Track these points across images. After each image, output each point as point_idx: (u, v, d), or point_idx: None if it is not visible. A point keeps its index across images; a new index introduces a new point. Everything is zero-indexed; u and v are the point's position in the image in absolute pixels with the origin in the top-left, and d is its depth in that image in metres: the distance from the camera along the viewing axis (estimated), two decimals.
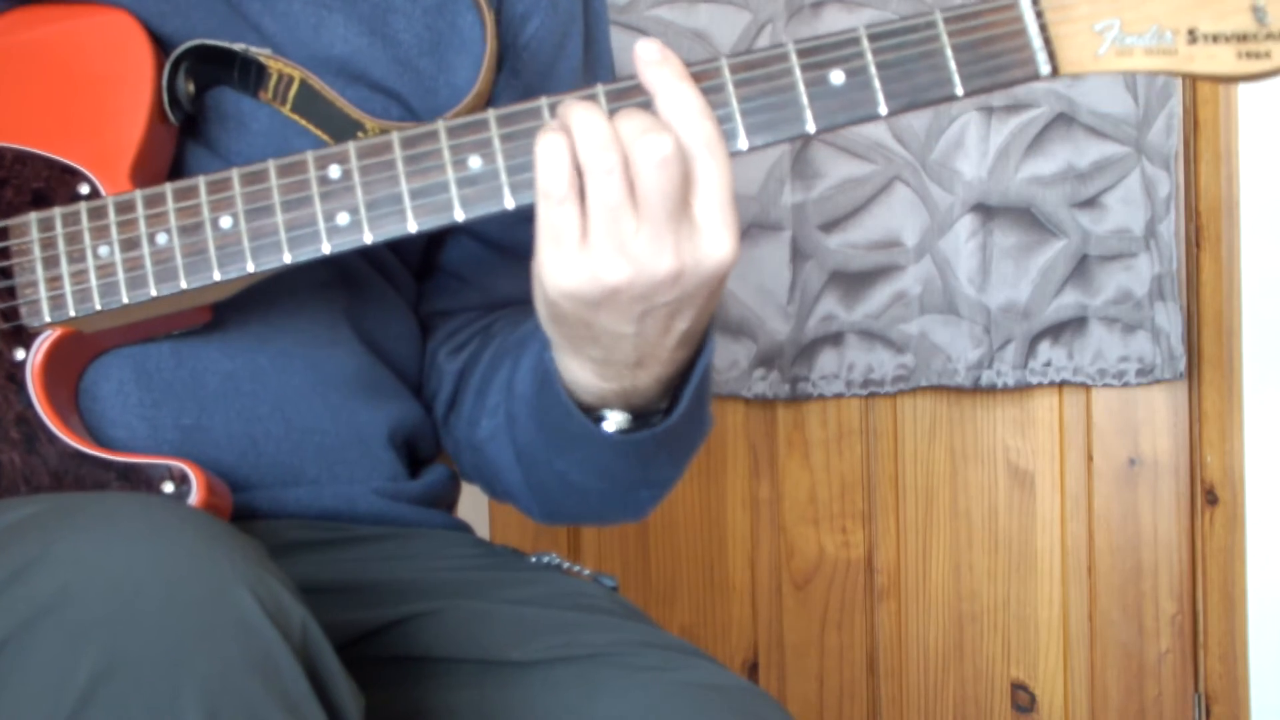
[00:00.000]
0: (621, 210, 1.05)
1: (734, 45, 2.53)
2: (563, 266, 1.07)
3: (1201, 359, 2.48)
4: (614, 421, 1.17)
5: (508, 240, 1.33)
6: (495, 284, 1.35)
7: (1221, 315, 2.46)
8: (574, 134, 1.06)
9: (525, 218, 1.11)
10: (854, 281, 2.53)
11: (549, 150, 1.05)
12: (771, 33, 2.52)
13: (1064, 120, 2.45)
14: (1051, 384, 2.50)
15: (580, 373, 1.15)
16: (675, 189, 1.05)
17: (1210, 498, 2.49)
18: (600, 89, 1.10)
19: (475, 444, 1.30)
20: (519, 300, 1.34)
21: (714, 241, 1.07)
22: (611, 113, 1.08)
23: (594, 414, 1.17)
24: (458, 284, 1.36)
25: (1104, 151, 2.44)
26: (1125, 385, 2.46)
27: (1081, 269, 2.45)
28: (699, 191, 1.06)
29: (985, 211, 2.47)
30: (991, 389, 2.50)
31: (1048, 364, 2.48)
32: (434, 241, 1.34)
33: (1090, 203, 2.46)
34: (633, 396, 1.15)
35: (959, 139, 2.47)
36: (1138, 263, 2.44)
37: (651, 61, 1.08)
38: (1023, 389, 2.53)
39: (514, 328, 1.30)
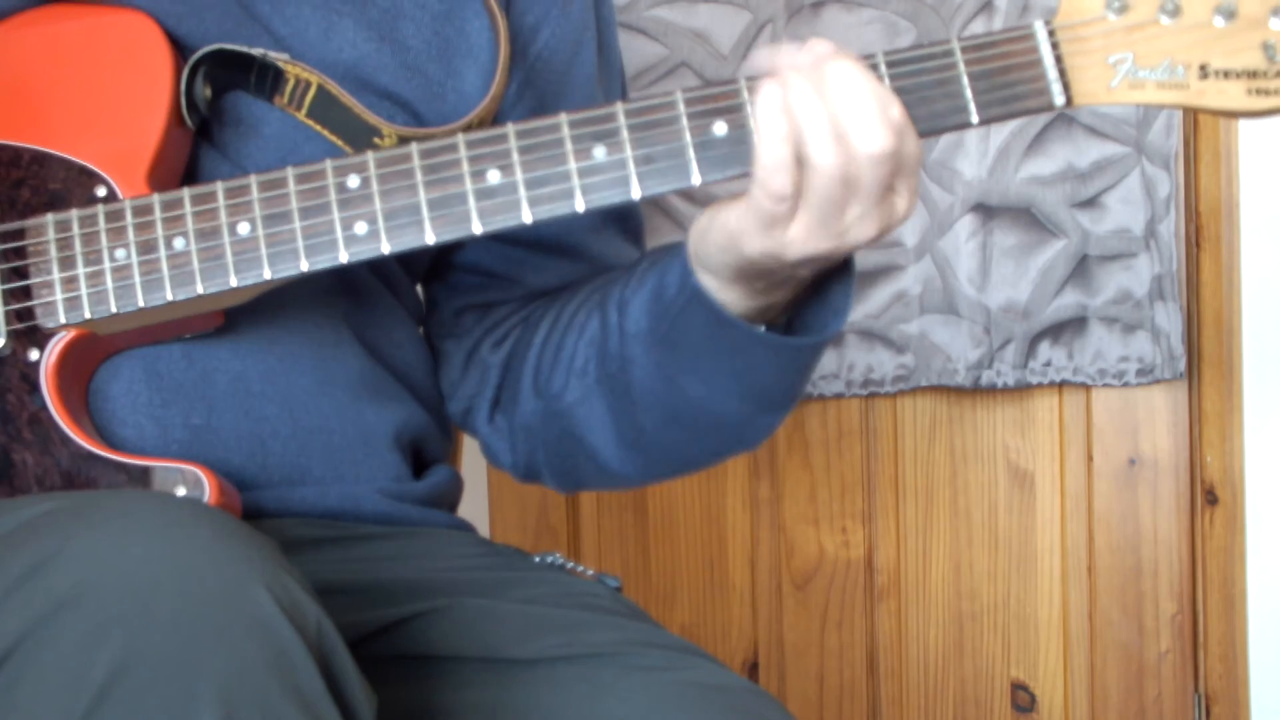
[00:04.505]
0: (840, 202, 1.09)
1: (734, 45, 2.53)
2: (770, 240, 1.11)
3: (1201, 359, 2.49)
4: None
5: (533, 236, 1.33)
6: (530, 276, 1.36)
7: (1221, 315, 2.46)
8: (797, 117, 1.08)
9: None
10: None
11: (773, 141, 1.08)
12: (771, 32, 2.52)
13: (1064, 120, 2.45)
14: (1051, 384, 2.50)
15: (728, 294, 1.17)
16: (889, 176, 1.09)
17: (1210, 498, 2.49)
18: (620, 108, 1.11)
19: (561, 410, 1.30)
20: (555, 289, 1.35)
21: (904, 207, 1.11)
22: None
23: None
24: (488, 280, 1.36)
25: (1104, 151, 2.45)
26: (1125, 385, 2.46)
27: (1081, 269, 2.46)
28: (904, 171, 1.10)
29: (985, 211, 2.47)
30: (991, 389, 2.51)
31: (1048, 364, 2.48)
32: (452, 245, 1.34)
33: (1090, 203, 2.46)
34: (768, 313, 1.19)
35: (959, 139, 2.47)
36: (1138, 263, 2.44)
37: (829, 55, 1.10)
38: (1023, 389, 2.53)
39: (564, 303, 1.32)
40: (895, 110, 1.09)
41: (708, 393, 1.21)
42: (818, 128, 1.07)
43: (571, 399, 1.29)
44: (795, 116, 1.07)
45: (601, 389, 1.26)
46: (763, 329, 1.19)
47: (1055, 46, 1.12)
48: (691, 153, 1.11)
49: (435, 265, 1.37)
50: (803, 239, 1.10)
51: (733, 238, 1.12)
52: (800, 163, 1.08)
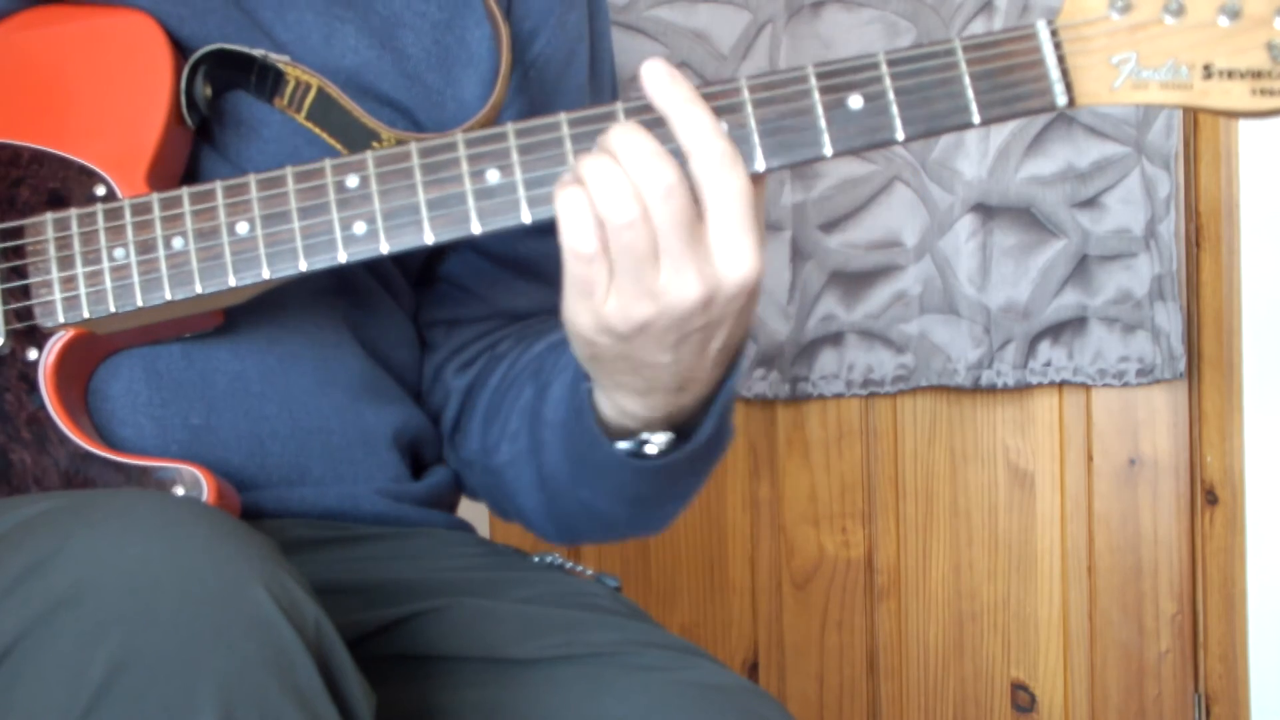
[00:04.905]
0: (646, 257, 1.06)
1: (734, 45, 2.53)
2: (592, 313, 1.08)
3: (1201, 359, 2.49)
4: (657, 442, 1.17)
5: (510, 254, 1.33)
6: (499, 296, 1.36)
7: (1221, 315, 2.46)
8: (590, 188, 1.05)
9: (530, 232, 1.12)
10: (854, 281, 2.53)
11: (571, 207, 1.05)
12: (771, 32, 2.52)
13: (1064, 120, 2.45)
14: (1051, 384, 2.50)
15: (626, 402, 1.15)
16: (685, 216, 1.05)
17: (1210, 498, 2.49)
18: (620, 107, 1.11)
19: (492, 468, 1.30)
20: (525, 314, 1.34)
21: (734, 261, 1.06)
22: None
23: (637, 437, 1.17)
24: (461, 294, 1.36)
25: (1104, 151, 2.45)
26: (1125, 385, 2.46)
27: (1081, 269, 2.46)
28: (712, 212, 1.06)
29: (985, 211, 2.47)
30: (991, 389, 2.51)
31: (1048, 364, 2.48)
32: (436, 252, 1.34)
33: (1090, 203, 2.46)
34: (677, 417, 1.16)
35: (959, 139, 2.47)
36: (1138, 263, 2.44)
37: (660, 84, 1.08)
38: (1023, 389, 2.53)
39: (525, 348, 1.31)
40: (701, 141, 1.06)
41: (593, 496, 1.22)
42: (612, 187, 1.05)
43: (502, 460, 1.29)
44: (586, 186, 1.06)
45: (531, 458, 1.26)
46: (658, 437, 1.17)
47: (1058, 46, 1.10)
48: None
49: (423, 275, 1.37)
50: (621, 305, 1.07)
51: (569, 323, 1.10)
52: (599, 220, 1.06)
